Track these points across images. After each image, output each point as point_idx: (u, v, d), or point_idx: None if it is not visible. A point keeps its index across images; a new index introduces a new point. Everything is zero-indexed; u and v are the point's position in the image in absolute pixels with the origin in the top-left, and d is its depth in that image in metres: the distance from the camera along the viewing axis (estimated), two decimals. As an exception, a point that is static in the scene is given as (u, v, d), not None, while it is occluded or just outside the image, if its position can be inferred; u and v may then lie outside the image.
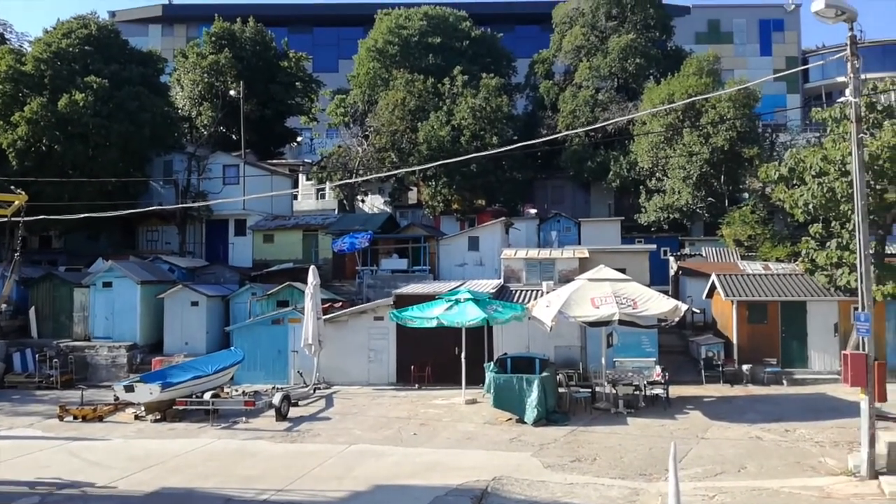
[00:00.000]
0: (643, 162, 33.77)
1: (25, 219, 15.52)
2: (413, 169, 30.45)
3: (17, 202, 14.58)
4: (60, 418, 18.68)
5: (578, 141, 36.66)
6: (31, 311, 26.66)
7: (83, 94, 30.02)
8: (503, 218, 30.65)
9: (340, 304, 25.06)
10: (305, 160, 46.39)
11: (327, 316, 22.51)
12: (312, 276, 21.71)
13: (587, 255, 24.05)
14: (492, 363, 18.41)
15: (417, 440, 15.63)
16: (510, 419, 16.97)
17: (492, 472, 12.86)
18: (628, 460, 13.56)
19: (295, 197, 40.63)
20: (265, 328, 23.58)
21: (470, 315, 18.49)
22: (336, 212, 38.07)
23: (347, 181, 34.32)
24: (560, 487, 12.04)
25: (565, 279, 22.43)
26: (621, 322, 17.18)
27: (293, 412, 18.46)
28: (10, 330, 26.28)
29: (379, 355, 22.55)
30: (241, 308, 26.04)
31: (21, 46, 39.78)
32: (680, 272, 27.36)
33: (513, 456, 14.14)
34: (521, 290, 23.33)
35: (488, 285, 23.45)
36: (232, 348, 22.62)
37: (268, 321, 23.75)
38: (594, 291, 17.75)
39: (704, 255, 29.63)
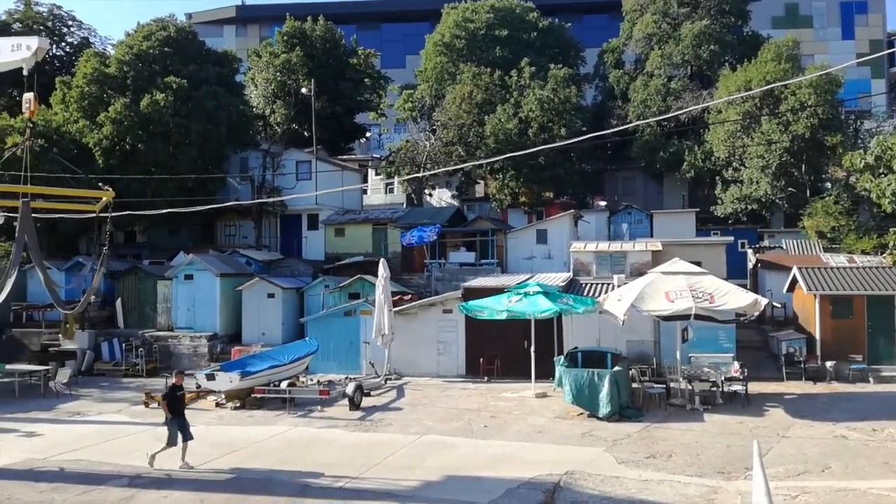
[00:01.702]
0: (719, 151, 32.75)
1: (112, 214, 16.20)
2: (480, 162, 30.44)
3: (104, 199, 15.19)
4: (146, 405, 19.52)
5: (650, 131, 35.86)
6: (118, 303, 28.02)
7: (163, 95, 31.24)
8: (572, 210, 30.31)
9: (410, 296, 25.35)
10: (374, 155, 47.06)
11: (397, 308, 22.80)
12: (383, 268, 22.01)
13: (660, 247, 23.53)
14: (562, 357, 18.28)
15: (488, 432, 15.68)
16: (581, 414, 16.81)
17: (564, 466, 12.78)
18: (705, 458, 13.24)
19: (364, 192, 41.26)
20: (338, 319, 24.07)
21: (541, 307, 18.38)
22: (404, 206, 38.45)
23: (415, 175, 34.60)
24: (634, 484, 11.87)
25: (637, 273, 22.01)
26: (697, 317, 16.71)
27: (365, 402, 18.82)
28: (98, 320, 27.68)
29: (448, 347, 22.71)
30: (315, 300, 26.65)
31: (105, 49, 41.78)
32: (759, 265, 26.46)
33: (585, 451, 14.02)
34: (591, 284, 23.01)
35: (557, 279, 23.25)
36: (306, 339, 23.21)
37: (340, 313, 24.23)
38: (668, 285, 17.35)
39: (785, 247, 28.58)
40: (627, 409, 16.71)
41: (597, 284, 22.87)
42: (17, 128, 28.63)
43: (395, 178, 38.98)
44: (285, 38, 40.65)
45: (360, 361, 23.28)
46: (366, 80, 43.86)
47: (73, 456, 14.68)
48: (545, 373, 19.13)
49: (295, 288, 27.14)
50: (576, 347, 19.17)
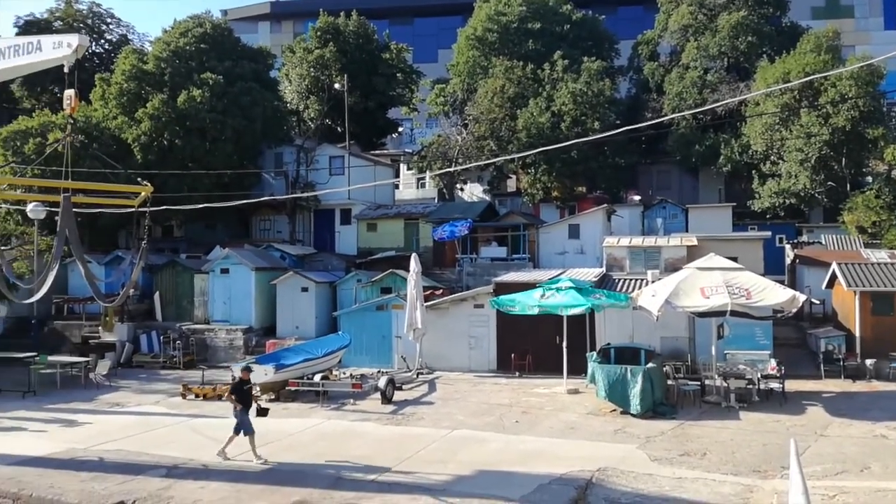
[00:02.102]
0: (756, 145, 32.12)
1: (151, 209, 16.51)
2: (512, 157, 30.31)
3: (143, 193, 15.48)
4: (183, 396, 19.97)
5: (686, 124, 35.32)
6: (156, 296, 28.60)
7: (200, 91, 31.70)
8: (605, 205, 30.04)
9: (441, 291, 25.40)
10: (406, 150, 47.17)
11: (429, 303, 22.88)
12: (414, 263, 22.09)
13: (695, 242, 23.21)
14: (594, 353, 18.16)
15: (519, 428, 15.66)
16: (614, 410, 16.69)
17: (596, 462, 12.71)
18: (741, 456, 13.05)
19: (396, 186, 41.42)
20: (370, 314, 24.24)
21: (572, 302, 18.28)
22: (436, 200, 38.51)
23: (447, 170, 34.61)
24: (668, 481, 11.75)
25: (672, 268, 21.74)
26: (733, 313, 16.47)
27: (397, 396, 18.93)
28: (137, 313, 28.29)
29: (479, 342, 22.72)
30: (348, 294, 26.86)
31: (142, 46, 42.53)
32: (797, 261, 25.94)
33: (618, 447, 13.92)
34: (625, 279, 22.81)
35: (590, 274, 23.08)
36: (339, 333, 23.45)
37: (372, 307, 24.40)
38: (704, 281, 17.12)
39: (824, 242, 27.97)
40: (661, 405, 16.54)
41: (630, 280, 22.65)
42: (58, 124, 29.36)
43: (427, 172, 39.03)
44: (319, 33, 40.93)
45: (392, 355, 23.41)
46: (398, 74, 43.99)
47: (113, 446, 15.03)
48: (577, 369, 19.04)
49: (328, 282, 27.40)
50: (609, 343, 19.02)
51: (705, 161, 35.83)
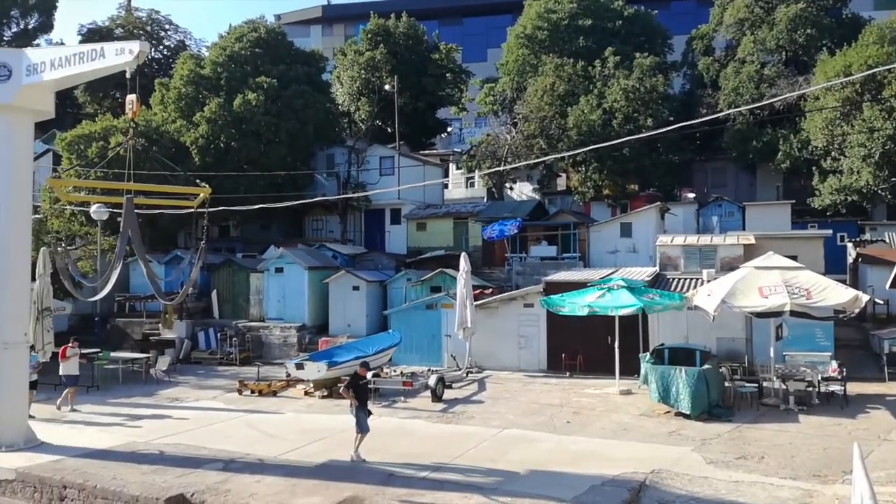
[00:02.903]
0: (816, 140, 31.08)
1: (209, 210, 16.98)
2: (562, 155, 30.04)
3: (202, 195, 15.96)
4: (239, 392, 20.46)
5: (742, 119, 34.44)
6: (213, 294, 29.38)
7: (255, 94, 32.42)
8: (658, 203, 29.53)
9: (490, 290, 25.38)
10: (455, 150, 47.26)
11: (478, 302, 22.88)
12: (464, 262, 22.13)
13: (753, 241, 22.62)
14: (648, 354, 17.90)
15: (571, 428, 15.54)
16: (668, 412, 16.42)
17: (650, 464, 12.54)
18: (800, 460, 12.69)
19: (445, 186, 41.55)
20: (419, 312, 24.39)
21: (624, 302, 18.05)
22: (485, 200, 38.49)
23: (496, 169, 34.53)
24: (724, 485, 11.51)
25: (728, 267, 21.24)
26: (793, 313, 16.02)
27: (447, 394, 19.01)
28: (195, 311, 29.09)
29: (529, 342, 22.63)
30: (398, 293, 27.10)
31: (199, 52, 43.68)
32: (859, 259, 25.05)
33: (672, 449, 13.69)
34: (679, 279, 22.39)
35: (643, 273, 22.73)
36: (390, 331, 23.67)
37: (422, 306, 24.55)
38: (762, 280, 16.68)
39: (887, 240, 26.93)
40: (717, 408, 16.19)
41: (685, 279, 22.23)
42: (119, 128, 30.40)
43: (476, 172, 39.02)
44: (369, 35, 41.39)
45: (442, 354, 23.51)
46: (447, 74, 44.15)
47: (172, 440, 15.50)
48: (630, 370, 18.81)
49: (378, 281, 27.68)
50: (662, 344, 18.71)
51: (763, 157, 34.88)
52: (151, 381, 22.62)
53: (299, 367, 19.79)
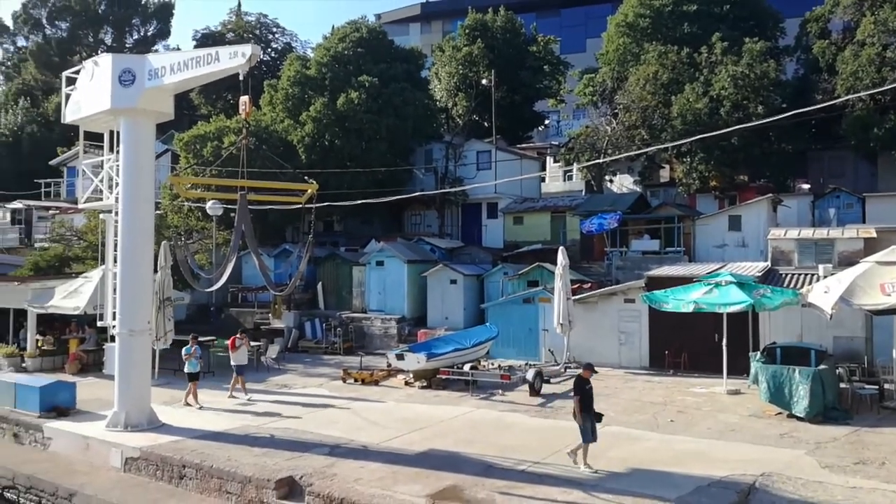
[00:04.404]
0: (947, 126, 28.71)
1: (316, 205, 17.63)
2: (666, 146, 29.12)
3: (309, 191, 16.62)
4: (343, 380, 21.18)
5: (862, 105, 32.17)
6: (319, 286, 30.50)
7: (357, 93, 33.28)
8: (770, 195, 28.14)
9: (589, 285, 25.03)
10: (552, 142, 46.77)
11: (576, 297, 22.62)
12: (562, 256, 21.90)
13: (874, 234, 21.20)
14: (758, 353, 17.14)
15: (675, 427, 15.13)
16: (780, 413, 15.68)
17: (759, 467, 12.06)
18: (928, 469, 11.84)
19: (543, 179, 41.22)
20: (516, 306, 24.37)
21: (733, 299, 17.35)
22: (583, 193, 37.86)
23: (595, 161, 33.91)
24: (840, 490, 10.92)
25: (846, 262, 20.00)
26: (919, 312, 14.91)
27: (545, 389, 18.92)
28: (302, 302, 30.30)
29: (630, 338, 22.16)
30: (494, 287, 27.17)
31: (304, 53, 45.28)
32: None
33: (783, 452, 13.09)
34: (793, 274, 21.28)
35: (753, 268, 21.76)
36: (487, 324, 23.77)
37: (519, 300, 24.51)
38: (885, 276, 15.56)
39: None
40: (833, 410, 15.33)
41: (799, 275, 21.11)
42: (232, 128, 31.98)
43: (574, 164, 38.46)
44: (467, 31, 41.55)
45: (539, 349, 23.41)
46: (545, 67, 43.70)
47: (282, 424, 16.26)
48: (738, 369, 18.12)
49: (475, 275, 27.86)
50: (774, 342, 17.84)
51: (885, 145, 32.47)
52: (262, 369, 23.71)
53: (400, 357, 20.25)
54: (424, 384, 19.94)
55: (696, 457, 12.89)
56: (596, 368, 14.91)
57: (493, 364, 21.85)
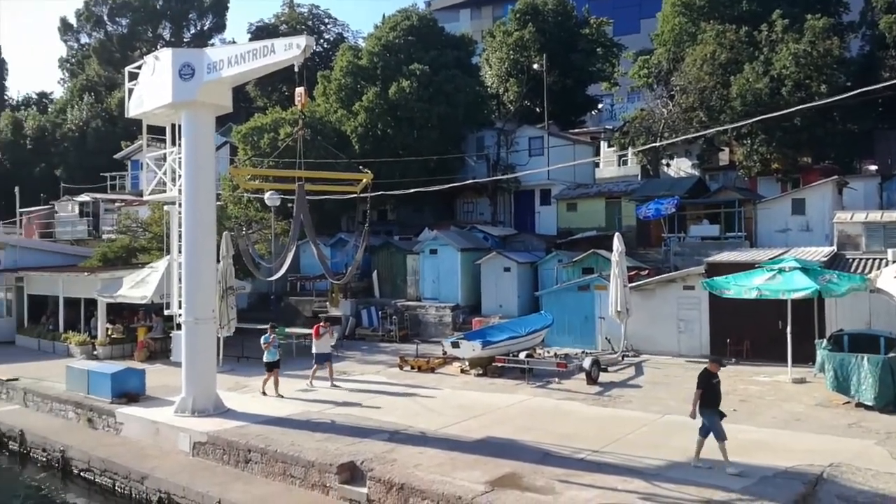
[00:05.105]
0: None
1: (371, 194, 17.82)
2: (725, 128, 28.36)
3: (364, 180, 16.80)
4: (400, 367, 21.44)
5: (934, 82, 30.72)
6: (374, 275, 30.85)
7: (408, 82, 33.37)
8: (835, 177, 27.17)
9: (647, 271, 24.66)
10: (606, 127, 45.99)
11: (633, 284, 22.32)
12: (618, 242, 21.62)
13: (948, 216, 20.29)
14: (824, 340, 16.62)
15: (737, 416, 14.77)
16: (847, 402, 15.22)
17: (826, 457, 11.74)
18: None
19: (597, 165, 40.66)
20: (572, 294, 24.18)
21: (798, 285, 16.86)
22: (639, 178, 37.22)
23: (651, 145, 33.23)
24: (915, 483, 10.55)
25: (918, 246, 19.22)
26: None
27: (602, 377, 18.75)
28: (358, 290, 30.71)
29: (689, 326, 21.76)
30: (549, 274, 27.00)
31: (356, 43, 45.58)
32: None
33: (852, 442, 12.72)
34: (860, 259, 20.57)
35: (818, 253, 21.10)
36: (541, 312, 23.67)
37: (574, 287, 24.31)
38: (961, 260, 14.94)
39: None
40: (904, 400, 14.79)
41: (867, 259, 20.40)
42: (287, 119, 32.50)
43: (629, 149, 37.80)
44: (517, 15, 41.14)
45: (595, 336, 23.21)
46: (598, 49, 43.02)
47: (342, 410, 16.57)
48: (803, 357, 17.65)
49: (529, 262, 27.72)
50: (841, 330, 17.27)
51: (960, 123, 30.99)
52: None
53: (455, 345, 20.36)
54: (480, 372, 20.02)
55: (761, 446, 12.63)
56: (724, 362, 14.05)
57: (548, 352, 21.77)
